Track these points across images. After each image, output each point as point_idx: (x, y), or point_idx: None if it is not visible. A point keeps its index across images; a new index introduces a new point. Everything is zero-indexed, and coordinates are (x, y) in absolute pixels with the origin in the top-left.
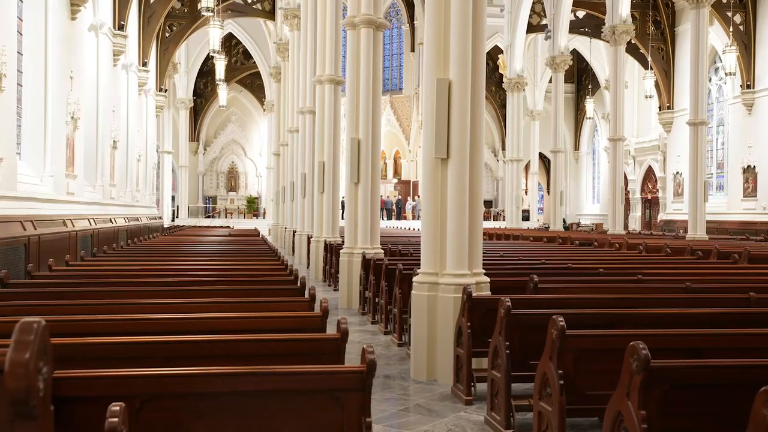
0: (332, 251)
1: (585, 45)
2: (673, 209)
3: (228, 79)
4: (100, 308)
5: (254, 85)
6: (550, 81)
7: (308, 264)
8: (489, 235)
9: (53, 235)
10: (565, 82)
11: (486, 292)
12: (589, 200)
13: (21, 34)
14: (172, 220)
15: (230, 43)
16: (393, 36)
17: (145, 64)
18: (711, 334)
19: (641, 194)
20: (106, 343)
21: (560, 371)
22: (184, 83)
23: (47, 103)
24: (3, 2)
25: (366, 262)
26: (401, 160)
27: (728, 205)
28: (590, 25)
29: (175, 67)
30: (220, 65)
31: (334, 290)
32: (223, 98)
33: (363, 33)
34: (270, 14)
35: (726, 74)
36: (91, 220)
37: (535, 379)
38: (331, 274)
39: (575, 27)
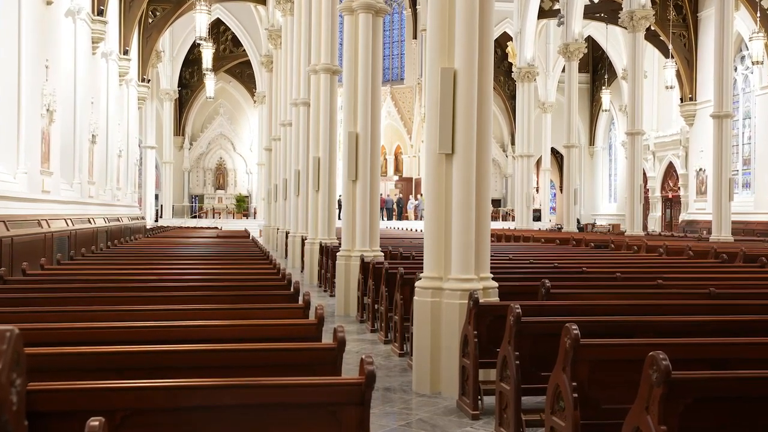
0: (328, 254)
1: (601, 32)
2: (695, 209)
3: (216, 69)
4: (78, 315)
5: (244, 74)
6: (563, 70)
7: (302, 268)
8: (497, 236)
9: (27, 236)
10: (580, 71)
11: (494, 298)
12: (605, 199)
13: None
14: (156, 221)
15: (218, 29)
16: (394, 22)
17: (126, 53)
18: (737, 344)
19: (661, 192)
20: (84, 353)
21: (574, 383)
22: (168, 73)
23: (20, 94)
24: None
25: (365, 266)
26: (402, 155)
27: (755, 204)
28: (606, 10)
29: (158, 56)
30: (208, 54)
31: (331, 296)
32: (211, 89)
33: (361, 18)
34: None
35: (753, 63)
36: (68, 221)
37: (547, 392)
38: (326, 279)
39: (590, 12)
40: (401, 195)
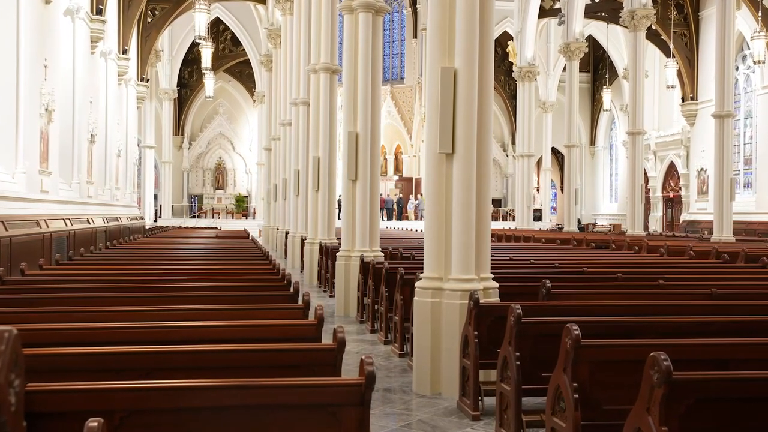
0: (328, 254)
1: (602, 31)
2: (696, 209)
3: (215, 68)
4: (77, 316)
5: (243, 74)
6: (564, 70)
7: (302, 268)
8: (498, 236)
9: (26, 236)
10: (581, 71)
11: (494, 299)
12: (606, 199)
13: None
14: (155, 221)
15: (217, 28)
16: (394, 21)
17: (125, 52)
18: (738, 344)
19: (662, 192)
20: (83, 353)
21: (575, 384)
22: (167, 72)
23: (19, 93)
24: None
25: (364, 266)
26: (403, 155)
27: (757, 204)
28: (607, 9)
29: (157, 55)
30: (207, 53)
31: (330, 296)
32: (210, 88)
33: (361, 18)
34: None
35: (754, 62)
36: (67, 221)
37: (548, 393)
38: (326, 279)
39: (591, 11)
40: (401, 195)
